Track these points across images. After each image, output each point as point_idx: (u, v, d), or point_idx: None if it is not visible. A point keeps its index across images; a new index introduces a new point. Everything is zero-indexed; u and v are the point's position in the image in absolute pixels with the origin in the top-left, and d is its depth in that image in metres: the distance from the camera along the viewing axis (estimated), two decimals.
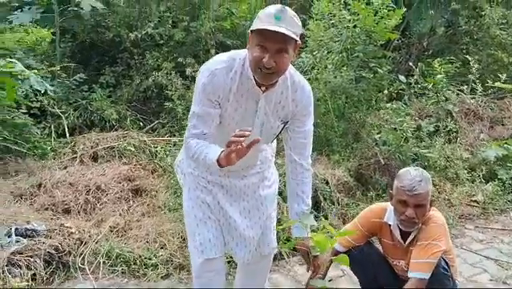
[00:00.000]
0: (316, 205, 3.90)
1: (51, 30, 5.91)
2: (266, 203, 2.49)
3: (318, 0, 4.93)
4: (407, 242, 2.51)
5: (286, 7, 1.96)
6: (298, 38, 1.95)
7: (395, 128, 4.28)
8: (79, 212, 3.78)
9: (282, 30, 1.88)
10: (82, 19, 5.93)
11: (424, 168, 4.61)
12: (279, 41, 1.91)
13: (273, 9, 1.94)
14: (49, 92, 4.49)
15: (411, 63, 6.29)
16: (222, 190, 2.39)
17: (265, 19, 1.92)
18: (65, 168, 4.41)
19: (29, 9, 5.66)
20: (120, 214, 3.80)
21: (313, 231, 2.28)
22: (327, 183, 4.03)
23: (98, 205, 3.85)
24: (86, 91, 5.73)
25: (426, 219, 2.44)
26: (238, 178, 2.39)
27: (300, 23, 2.00)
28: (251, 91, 2.11)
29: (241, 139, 1.84)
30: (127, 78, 6.01)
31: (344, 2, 4.91)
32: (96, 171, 4.20)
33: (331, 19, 4.96)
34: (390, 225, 2.54)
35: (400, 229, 2.50)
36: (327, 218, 3.82)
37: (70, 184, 3.98)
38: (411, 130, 4.29)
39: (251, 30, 1.99)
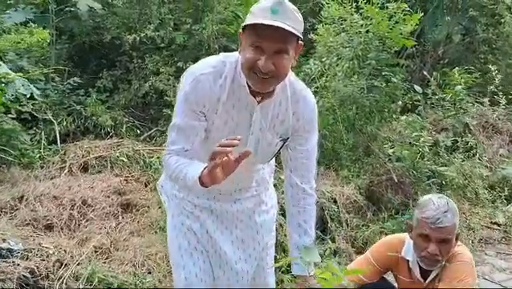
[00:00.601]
0: (323, 227, 3.56)
1: (48, 31, 5.65)
2: (262, 231, 2.15)
3: (327, 3, 4.59)
4: (427, 281, 2.16)
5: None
6: (300, 36, 1.62)
7: (410, 143, 3.92)
8: (61, 229, 3.46)
9: (281, 24, 1.55)
10: (79, 20, 5.64)
11: (440, 187, 4.31)
12: (278, 39, 1.58)
13: (268, 2, 1.60)
14: (35, 97, 4.17)
15: (425, 72, 5.94)
16: (212, 216, 2.05)
17: (259, 14, 1.59)
18: (52, 178, 4.09)
19: (23, 8, 5.37)
20: (107, 232, 3.46)
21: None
22: (335, 202, 3.69)
23: (83, 221, 3.52)
24: (82, 96, 5.43)
25: (451, 256, 2.09)
26: (230, 202, 2.06)
27: (302, 19, 1.67)
28: (244, 100, 1.79)
29: (228, 149, 1.52)
30: (125, 82, 5.71)
31: (356, 5, 4.58)
32: (85, 183, 3.87)
33: (341, 24, 4.62)
34: (408, 261, 2.19)
35: (420, 267, 2.14)
36: (334, 241, 3.47)
37: (54, 197, 3.66)
38: (428, 145, 3.92)
39: (243, 28, 1.66)
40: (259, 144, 1.89)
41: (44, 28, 5.64)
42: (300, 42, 1.68)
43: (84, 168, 4.27)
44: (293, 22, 1.59)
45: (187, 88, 1.75)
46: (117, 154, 4.22)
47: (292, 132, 1.91)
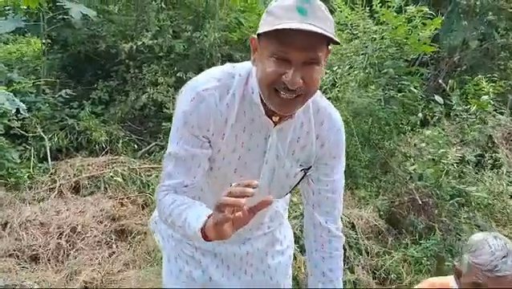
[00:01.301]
0: None
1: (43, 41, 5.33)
2: (276, 277, 1.81)
3: (339, 7, 4.23)
4: None
5: None
6: (336, 39, 1.26)
7: (433, 160, 3.55)
8: (48, 260, 3.11)
9: (313, 28, 1.19)
10: (73, 28, 5.31)
11: (463, 206, 3.94)
12: (308, 46, 1.22)
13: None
14: (21, 112, 3.81)
15: (441, 81, 5.57)
16: (216, 260, 1.72)
17: (282, 14, 1.22)
18: (41, 200, 3.74)
19: (13, 17, 5.04)
20: (99, 263, 3.10)
21: None
22: (353, 226, 3.31)
23: (72, 251, 3.16)
24: (75, 109, 5.09)
25: None
26: (238, 243, 1.73)
27: (331, 16, 1.30)
28: (257, 122, 1.43)
29: (242, 201, 1.16)
30: (122, 94, 5.37)
31: (370, 9, 4.22)
32: (75, 207, 3.52)
33: (354, 30, 4.26)
34: None
35: None
36: (353, 272, 3.09)
37: (41, 223, 3.31)
38: (454, 162, 3.54)
39: (259, 34, 1.30)
40: (275, 175, 1.53)
41: (38, 37, 5.35)
42: (329, 47, 1.32)
43: (76, 189, 3.93)
44: (324, 22, 1.23)
45: (187, 107, 1.39)
46: (111, 174, 3.85)
47: (315, 160, 1.55)
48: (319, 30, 1.19)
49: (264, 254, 1.78)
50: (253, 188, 1.17)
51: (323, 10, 1.25)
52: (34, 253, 3.12)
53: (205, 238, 1.26)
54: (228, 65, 1.48)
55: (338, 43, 1.29)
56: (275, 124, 1.44)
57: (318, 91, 1.53)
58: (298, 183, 1.59)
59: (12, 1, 5.03)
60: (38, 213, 3.39)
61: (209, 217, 1.26)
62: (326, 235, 1.61)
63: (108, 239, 3.29)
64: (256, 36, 1.32)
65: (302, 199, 1.70)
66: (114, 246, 3.27)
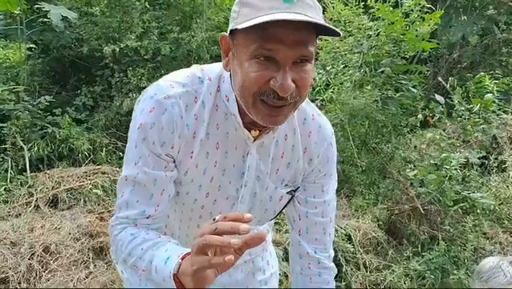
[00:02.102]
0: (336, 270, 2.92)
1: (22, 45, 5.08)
2: None
3: (331, 3, 3.98)
4: None
5: None
6: (335, 29, 1.02)
7: (435, 164, 3.30)
8: (19, 283, 2.84)
9: (303, 17, 0.95)
10: (54, 32, 5.06)
11: (467, 213, 3.69)
12: (300, 41, 0.98)
13: None
14: None
15: (440, 78, 5.33)
16: None
17: (263, 4, 0.98)
18: (17, 216, 3.48)
19: None
20: (74, 285, 2.84)
21: None
22: (350, 239, 3.06)
23: (45, 273, 2.90)
24: (58, 116, 4.83)
25: None
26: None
27: (319, 4, 1.06)
28: (234, 137, 1.19)
29: (233, 242, 0.89)
30: (106, 99, 5.12)
31: (364, 5, 3.97)
32: (50, 223, 3.26)
33: (348, 26, 4.01)
34: None
35: None
36: None
37: (12, 243, 3.04)
38: (459, 167, 3.29)
39: (231, 30, 1.04)
40: (256, 199, 1.28)
41: (15, 41, 5.10)
42: (317, 40, 1.07)
43: (54, 203, 3.67)
44: (313, 10, 1.00)
45: (146, 120, 1.14)
46: (90, 186, 3.60)
47: (303, 179, 1.30)
48: (313, 20, 0.95)
49: (244, 285, 1.53)
50: (246, 222, 0.91)
51: None
52: (3, 276, 2.86)
53: (179, 285, 1.01)
54: (195, 67, 1.23)
55: (338, 34, 1.03)
56: (255, 139, 1.19)
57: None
58: (285, 206, 1.34)
59: None
60: (10, 232, 3.12)
61: (182, 259, 1.01)
62: (315, 267, 1.37)
63: (85, 258, 3.04)
64: (228, 34, 1.07)
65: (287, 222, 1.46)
66: (91, 265, 3.01)
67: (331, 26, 1.00)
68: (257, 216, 1.31)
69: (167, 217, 1.29)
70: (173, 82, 1.16)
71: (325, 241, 1.36)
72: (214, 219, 0.95)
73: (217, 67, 1.19)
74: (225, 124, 1.17)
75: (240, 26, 0.99)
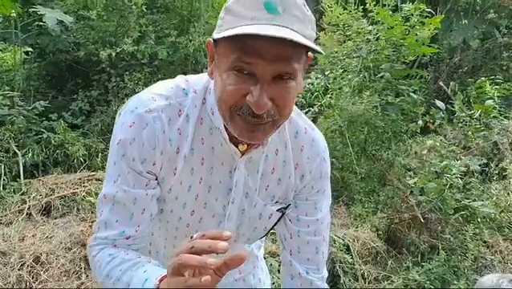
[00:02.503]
0: (334, 281, 2.85)
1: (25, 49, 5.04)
2: None
3: (330, 7, 3.92)
4: None
5: None
6: (313, 46, 0.93)
7: (436, 172, 3.23)
8: None
9: (286, 33, 0.88)
10: (50, 35, 5.00)
11: (467, 220, 3.62)
12: (280, 57, 0.91)
13: None
14: None
15: (441, 83, 5.26)
16: None
17: (245, 13, 0.91)
18: (9, 224, 3.41)
19: None
20: None
21: None
22: (348, 249, 2.98)
23: (35, 284, 2.82)
24: (54, 120, 4.78)
25: None
26: None
27: (312, 16, 0.98)
28: (220, 152, 1.12)
29: (209, 262, 0.82)
30: (103, 104, 5.07)
31: (363, 9, 3.91)
32: (41, 232, 3.19)
33: (346, 31, 3.95)
34: None
35: None
36: None
37: (2, 252, 2.97)
38: (459, 175, 3.22)
39: (215, 40, 0.98)
40: (244, 217, 1.21)
41: (10, 44, 5.05)
42: (309, 54, 1.00)
43: (47, 211, 3.59)
44: (301, 23, 0.92)
45: (125, 135, 1.07)
46: (84, 193, 3.53)
47: (294, 196, 1.23)
48: (295, 38, 0.87)
49: None
50: (225, 240, 0.84)
51: (301, 6, 0.93)
52: None
53: None
54: (180, 78, 1.15)
55: (319, 52, 0.96)
56: (242, 154, 1.12)
57: (296, 108, 1.22)
58: (276, 224, 1.27)
59: None
60: (0, 241, 3.06)
61: (160, 281, 0.95)
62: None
63: (77, 268, 2.96)
64: (212, 40, 1.00)
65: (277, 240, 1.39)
66: (83, 276, 2.93)
67: (313, 45, 0.92)
68: (245, 234, 1.25)
69: (151, 235, 1.23)
70: (155, 94, 1.09)
71: (318, 261, 1.29)
72: (192, 237, 0.88)
73: (203, 78, 1.13)
74: (210, 138, 1.10)
75: (216, 36, 0.93)
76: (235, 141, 1.09)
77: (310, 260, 1.28)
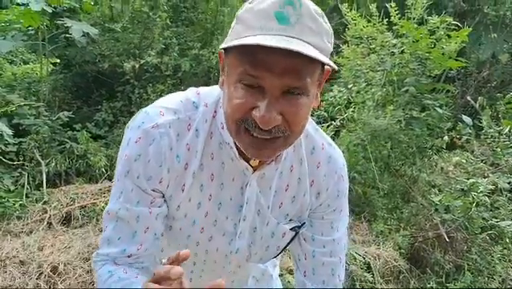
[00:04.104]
0: None
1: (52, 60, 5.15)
2: None
3: (353, 19, 3.87)
4: None
5: None
6: (327, 62, 0.87)
7: (462, 189, 3.11)
8: None
9: (296, 45, 0.82)
10: (76, 47, 5.08)
11: (494, 240, 3.48)
12: (290, 70, 0.85)
13: (270, 0, 0.87)
14: (6, 137, 3.55)
15: (469, 98, 5.13)
16: None
17: (255, 23, 0.87)
18: (29, 233, 3.44)
19: (12, 36, 4.83)
20: None
21: None
22: (369, 267, 2.89)
23: None
24: (78, 131, 4.83)
25: None
26: None
27: (330, 28, 0.93)
28: (231, 168, 1.08)
29: (176, 271, 0.81)
30: (126, 115, 5.10)
31: (388, 21, 3.84)
32: (61, 242, 3.19)
33: (370, 44, 3.88)
34: None
35: None
36: None
37: (21, 262, 2.98)
38: (486, 193, 3.10)
39: (224, 49, 0.94)
40: (256, 235, 1.16)
41: (38, 56, 5.15)
42: (327, 67, 0.94)
43: (67, 220, 3.61)
44: (316, 36, 0.87)
45: (131, 151, 1.03)
46: (103, 204, 3.53)
47: (309, 214, 1.18)
48: (305, 50, 0.81)
49: None
50: (182, 261, 0.83)
51: (315, 17, 0.87)
52: None
53: None
54: (191, 90, 1.11)
55: (332, 67, 0.91)
56: (254, 170, 1.07)
57: (313, 123, 1.16)
58: (289, 243, 1.22)
59: (9, 20, 4.81)
60: (20, 250, 3.07)
61: None
62: None
63: (94, 279, 2.95)
64: (223, 50, 0.97)
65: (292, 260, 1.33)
66: None
67: (325, 59, 0.86)
68: (258, 253, 1.19)
69: (160, 252, 1.19)
70: (163, 108, 1.05)
71: (334, 284, 1.22)
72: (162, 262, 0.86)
73: (215, 91, 1.09)
74: (219, 153, 1.06)
75: (223, 45, 0.89)
76: (246, 157, 1.04)
77: (326, 283, 1.21)
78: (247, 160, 1.05)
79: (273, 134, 0.91)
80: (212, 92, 1.09)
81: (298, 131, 0.94)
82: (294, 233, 1.18)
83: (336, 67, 0.90)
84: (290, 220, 1.17)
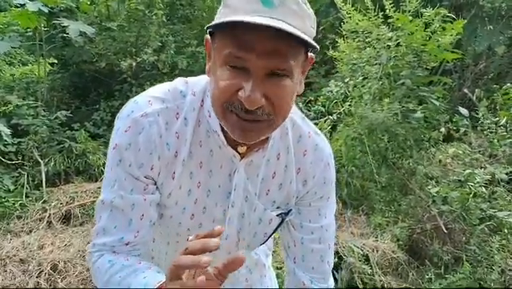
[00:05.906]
0: None
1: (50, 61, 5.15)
2: None
3: (348, 13, 3.87)
4: None
5: None
6: (312, 44, 0.90)
7: (459, 180, 3.13)
8: None
9: (280, 24, 0.85)
10: (73, 47, 5.09)
11: (493, 231, 3.49)
12: (274, 51, 0.88)
13: None
14: (4, 137, 3.56)
15: (466, 90, 5.14)
16: None
17: (241, 5, 0.89)
18: (29, 232, 3.45)
19: (9, 37, 4.83)
20: None
21: None
22: (367, 259, 2.90)
23: None
24: (76, 130, 4.84)
25: None
26: None
27: (313, 14, 0.95)
28: (218, 155, 1.10)
29: (203, 260, 0.82)
30: None
31: (383, 15, 3.85)
32: (61, 240, 3.21)
33: (366, 37, 3.89)
34: None
35: None
36: None
37: (21, 260, 3.00)
38: (484, 183, 3.11)
39: (210, 32, 0.97)
40: (244, 222, 1.18)
41: (35, 56, 5.16)
42: (310, 54, 0.97)
43: (67, 219, 3.64)
44: (299, 19, 0.89)
45: (121, 140, 1.05)
46: None
47: (297, 202, 1.19)
48: (289, 28, 0.84)
49: None
50: (217, 236, 0.85)
51: (300, 2, 0.90)
52: None
53: None
54: (179, 80, 1.13)
55: (315, 48, 0.92)
56: (242, 157, 1.09)
57: (299, 112, 1.18)
58: (276, 230, 1.23)
59: (7, 22, 4.82)
60: (20, 248, 3.09)
61: (161, 283, 0.94)
62: None
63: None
64: (209, 37, 0.98)
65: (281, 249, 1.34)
66: None
67: (308, 39, 0.88)
68: (246, 239, 1.21)
69: (152, 241, 1.21)
70: (152, 97, 1.07)
71: (323, 270, 1.24)
72: (188, 239, 0.87)
73: (202, 80, 1.10)
74: (207, 141, 1.08)
75: (208, 26, 0.91)
76: (233, 144, 1.06)
77: (315, 269, 1.23)
78: (235, 148, 1.07)
79: (258, 116, 0.92)
80: (199, 81, 1.11)
81: (282, 114, 0.96)
82: (280, 219, 1.19)
83: (318, 47, 0.91)
84: (278, 207, 1.19)
